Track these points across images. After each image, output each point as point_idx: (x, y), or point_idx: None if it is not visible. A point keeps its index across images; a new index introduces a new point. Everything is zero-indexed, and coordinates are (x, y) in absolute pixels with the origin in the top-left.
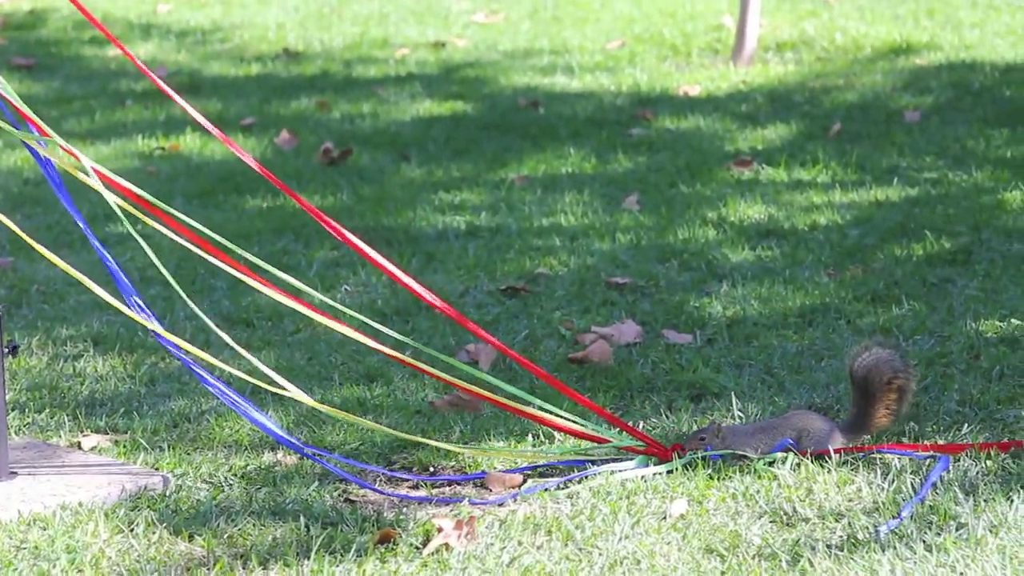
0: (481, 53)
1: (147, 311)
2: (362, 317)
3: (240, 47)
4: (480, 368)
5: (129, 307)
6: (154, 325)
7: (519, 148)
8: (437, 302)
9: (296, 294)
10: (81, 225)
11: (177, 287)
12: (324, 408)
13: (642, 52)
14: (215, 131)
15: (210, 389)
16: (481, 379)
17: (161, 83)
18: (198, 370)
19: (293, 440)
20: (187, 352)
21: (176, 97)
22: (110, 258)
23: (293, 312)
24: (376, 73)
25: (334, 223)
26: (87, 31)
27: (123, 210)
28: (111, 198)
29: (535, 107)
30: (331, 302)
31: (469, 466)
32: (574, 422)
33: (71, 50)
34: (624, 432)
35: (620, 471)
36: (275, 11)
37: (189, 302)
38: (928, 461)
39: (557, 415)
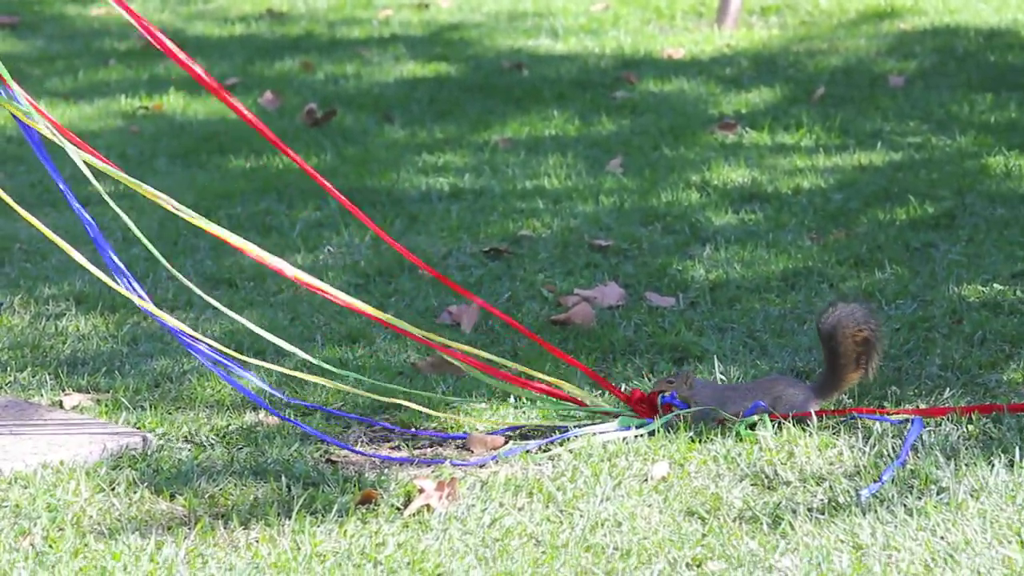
0: (465, 15)
1: (130, 279)
2: (331, 289)
3: (224, 7)
4: (463, 330)
5: (116, 281)
6: (149, 305)
7: (503, 110)
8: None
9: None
10: (61, 187)
11: (158, 254)
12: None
13: (626, 15)
14: (213, 84)
15: (202, 361)
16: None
17: (164, 38)
18: (185, 338)
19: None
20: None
21: (177, 50)
22: (91, 219)
23: (275, 273)
24: (360, 34)
25: (324, 181)
26: None
27: (102, 173)
28: (80, 162)
29: (519, 69)
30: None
31: (451, 427)
32: (554, 385)
33: (54, 8)
34: (607, 392)
35: (602, 432)
36: None
37: (174, 271)
38: (908, 425)
39: (536, 378)
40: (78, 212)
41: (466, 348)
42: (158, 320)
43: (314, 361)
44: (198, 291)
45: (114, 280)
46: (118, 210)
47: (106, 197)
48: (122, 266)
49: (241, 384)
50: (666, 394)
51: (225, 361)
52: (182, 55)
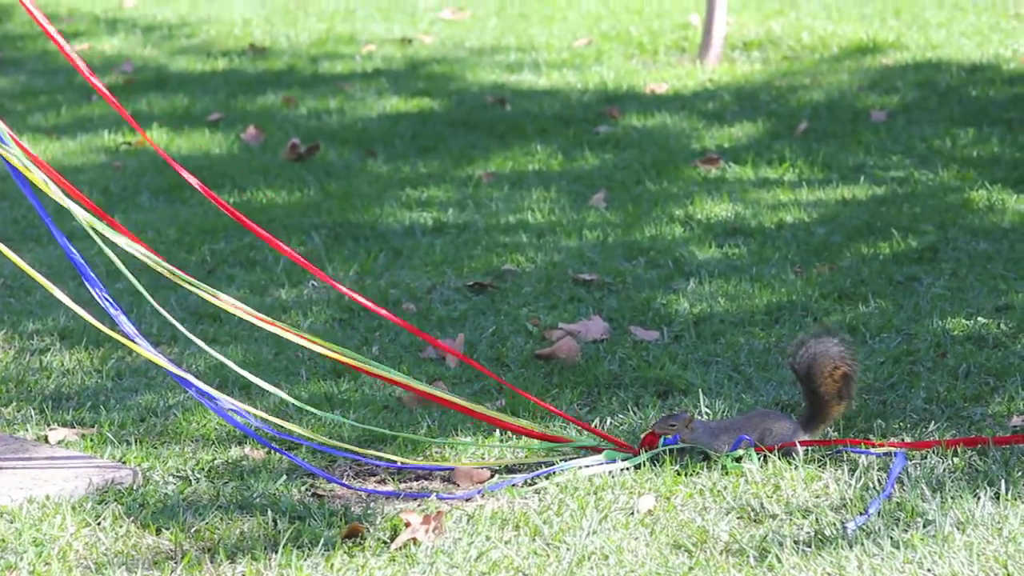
0: (448, 50)
1: (117, 309)
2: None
3: (207, 42)
4: (448, 365)
5: (115, 326)
6: (164, 362)
7: (486, 145)
8: (382, 311)
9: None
10: (48, 224)
11: (144, 291)
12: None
13: (609, 50)
14: (148, 139)
15: (213, 408)
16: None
17: (98, 84)
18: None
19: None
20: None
21: (106, 93)
22: (77, 254)
23: (259, 307)
24: (343, 69)
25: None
26: (53, 25)
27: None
28: (64, 200)
29: (502, 104)
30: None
31: (437, 461)
32: (540, 417)
33: (37, 45)
34: (586, 432)
35: (588, 466)
36: (241, 6)
37: (163, 311)
38: (893, 458)
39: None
40: (65, 248)
41: (446, 395)
42: (172, 368)
43: (296, 403)
44: (183, 328)
45: (107, 317)
46: (106, 249)
47: (89, 230)
48: (112, 301)
49: (258, 434)
50: (668, 436)
51: (235, 407)
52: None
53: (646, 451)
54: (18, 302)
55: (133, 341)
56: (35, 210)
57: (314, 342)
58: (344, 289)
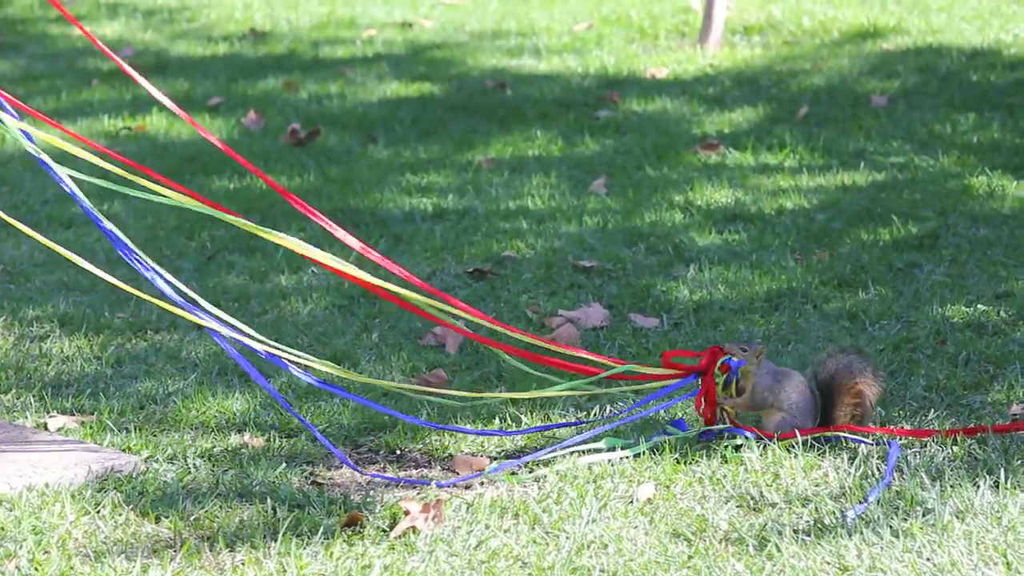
0: (448, 34)
1: (155, 272)
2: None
3: (207, 26)
4: (448, 351)
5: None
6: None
7: (486, 130)
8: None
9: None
10: (83, 205)
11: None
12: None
13: (609, 34)
14: (182, 114)
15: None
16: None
17: (124, 65)
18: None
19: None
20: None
21: (140, 79)
22: (117, 232)
23: (259, 294)
24: (343, 53)
25: (304, 203)
26: (53, 10)
27: (88, 190)
28: (66, 178)
29: (502, 89)
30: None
31: (436, 449)
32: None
33: (37, 28)
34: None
35: (588, 452)
36: None
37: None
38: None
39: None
40: (96, 221)
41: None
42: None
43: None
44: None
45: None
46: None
47: (92, 210)
48: (156, 267)
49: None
50: (734, 359)
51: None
52: (147, 83)
53: (700, 372)
54: (18, 288)
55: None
56: (33, 195)
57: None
58: (398, 268)
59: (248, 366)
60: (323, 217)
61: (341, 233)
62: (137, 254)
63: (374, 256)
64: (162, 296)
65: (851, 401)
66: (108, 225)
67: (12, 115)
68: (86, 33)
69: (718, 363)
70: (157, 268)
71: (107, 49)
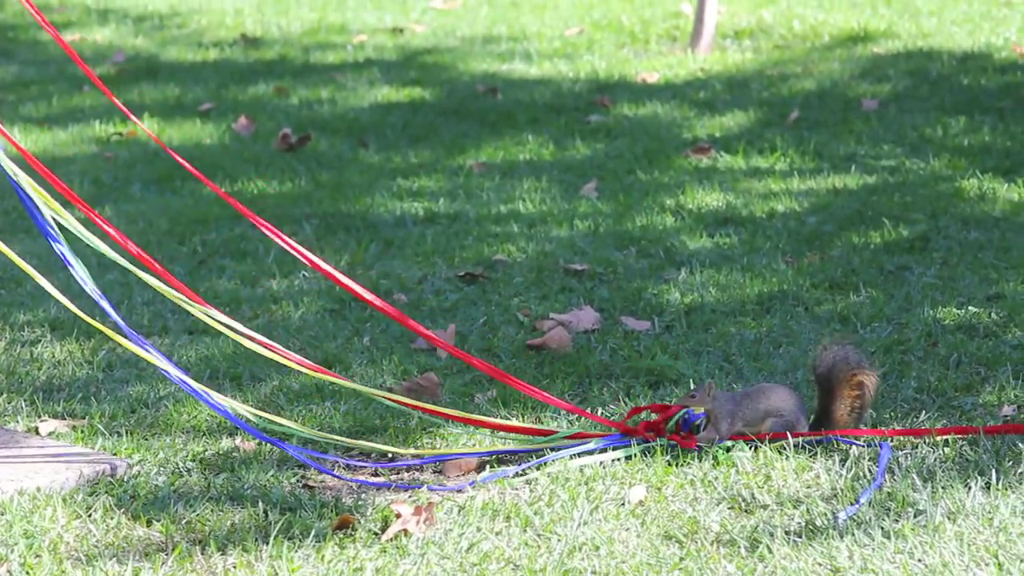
0: (439, 39)
1: (108, 304)
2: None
3: (198, 32)
4: (438, 356)
5: (105, 319)
6: (164, 364)
7: (477, 134)
8: (377, 302)
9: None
10: (36, 219)
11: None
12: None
13: (600, 39)
14: (144, 127)
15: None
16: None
17: (92, 73)
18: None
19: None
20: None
21: (107, 89)
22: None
23: (250, 298)
24: (334, 59)
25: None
26: (44, 15)
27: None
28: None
29: (493, 93)
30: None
31: (428, 452)
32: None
33: (28, 35)
34: (579, 418)
35: (581, 455)
36: None
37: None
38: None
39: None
40: (51, 240)
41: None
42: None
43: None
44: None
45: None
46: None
47: (66, 223)
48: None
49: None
50: (696, 411)
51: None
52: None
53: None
54: (9, 293)
55: (124, 335)
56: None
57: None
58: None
59: (205, 398)
60: (291, 242)
61: (309, 255)
62: (89, 284)
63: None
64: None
65: (851, 393)
66: (64, 252)
67: None
68: (59, 40)
69: (675, 418)
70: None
71: (78, 57)
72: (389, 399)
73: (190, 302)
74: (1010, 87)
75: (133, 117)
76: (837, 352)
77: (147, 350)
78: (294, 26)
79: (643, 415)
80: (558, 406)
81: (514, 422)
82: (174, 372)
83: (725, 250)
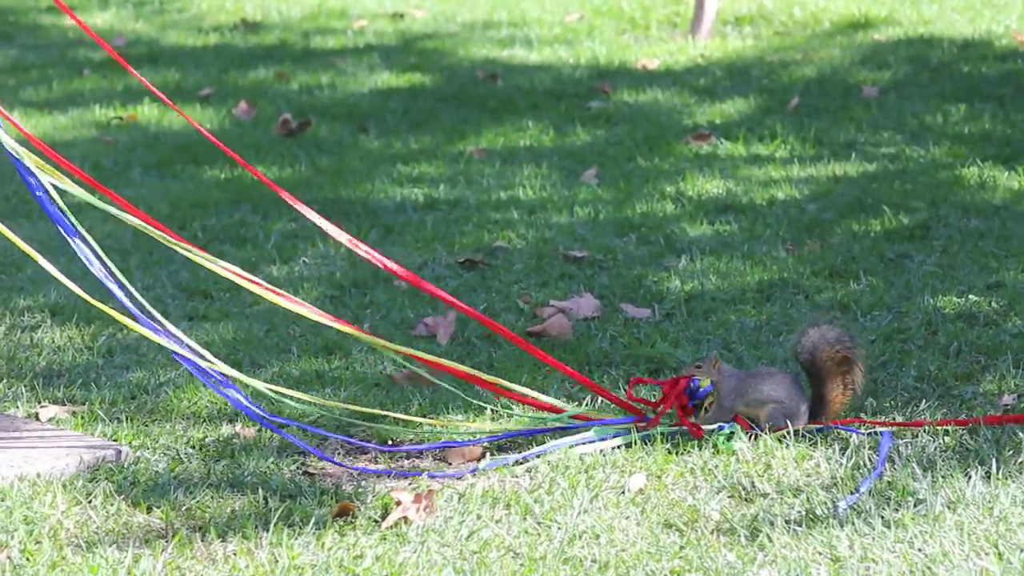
0: (440, 25)
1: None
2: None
3: (198, 16)
4: (439, 341)
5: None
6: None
7: (477, 121)
8: (400, 270)
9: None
10: (41, 203)
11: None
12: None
13: (601, 25)
14: (174, 106)
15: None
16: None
17: (120, 57)
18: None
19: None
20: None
21: (135, 72)
22: (74, 230)
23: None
24: (334, 44)
25: (292, 196)
26: (44, 0)
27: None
28: (46, 179)
29: (494, 80)
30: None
31: (429, 439)
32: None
33: (28, 19)
34: (594, 396)
35: (580, 444)
36: None
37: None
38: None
39: (514, 388)
40: (56, 220)
41: (442, 360)
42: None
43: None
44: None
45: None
46: (86, 240)
47: (62, 206)
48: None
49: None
50: (702, 383)
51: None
52: (142, 77)
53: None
54: (9, 278)
55: (133, 317)
56: (26, 186)
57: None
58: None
59: (215, 384)
60: (310, 210)
61: (329, 226)
62: (106, 263)
63: (361, 252)
64: (123, 308)
65: (840, 371)
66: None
67: None
68: (79, 23)
69: (682, 390)
70: (122, 279)
71: (100, 39)
72: (416, 357)
73: (213, 260)
74: (1011, 75)
75: (172, 106)
76: (814, 334)
77: (158, 334)
78: (294, 11)
79: (644, 390)
80: (571, 375)
81: (515, 410)
82: (195, 358)
83: (725, 237)
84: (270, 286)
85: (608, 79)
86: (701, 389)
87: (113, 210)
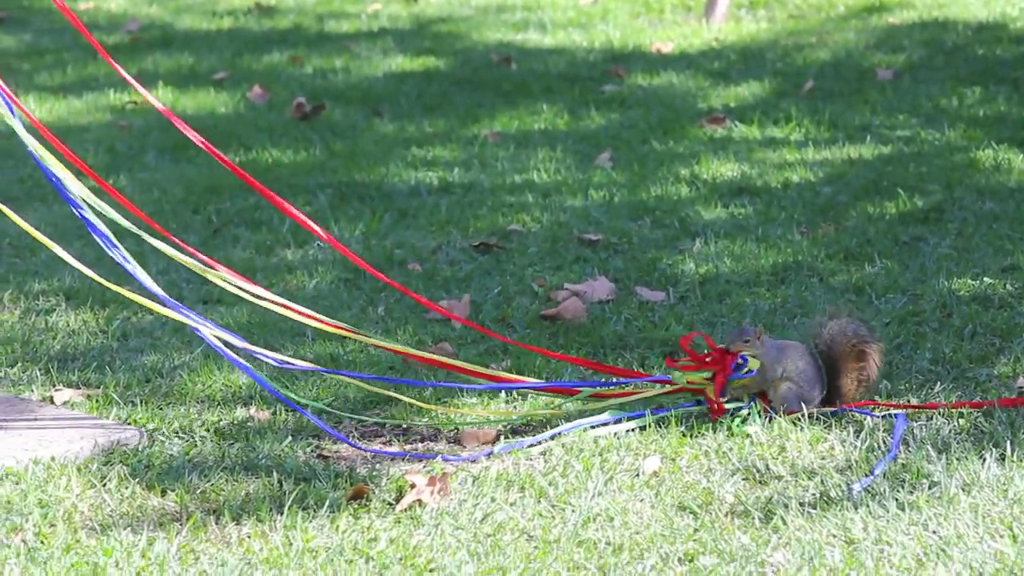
0: (453, 8)
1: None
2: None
3: (212, 1)
4: (453, 325)
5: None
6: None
7: (491, 104)
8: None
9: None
10: (56, 186)
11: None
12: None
13: (615, 8)
14: (157, 103)
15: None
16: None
17: (101, 48)
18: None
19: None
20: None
21: (113, 63)
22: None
23: (265, 268)
24: (348, 28)
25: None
26: None
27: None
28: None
29: (508, 63)
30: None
31: (443, 423)
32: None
33: (42, 3)
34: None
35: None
36: None
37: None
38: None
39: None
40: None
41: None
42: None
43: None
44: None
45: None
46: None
47: (74, 191)
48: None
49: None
50: (751, 363)
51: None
52: (120, 68)
53: (711, 379)
54: (23, 262)
55: (154, 296)
56: (40, 169)
57: (309, 315)
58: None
59: (239, 361)
60: (298, 212)
61: (312, 225)
62: (119, 248)
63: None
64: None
65: (855, 365)
66: (91, 218)
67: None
68: (68, 13)
69: (729, 367)
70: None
71: (87, 32)
72: (409, 355)
73: (207, 268)
74: None
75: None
76: (834, 327)
77: (181, 312)
78: None
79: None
80: (583, 363)
81: (529, 396)
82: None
83: (740, 220)
84: (269, 294)
85: (622, 63)
86: (747, 372)
87: (109, 209)
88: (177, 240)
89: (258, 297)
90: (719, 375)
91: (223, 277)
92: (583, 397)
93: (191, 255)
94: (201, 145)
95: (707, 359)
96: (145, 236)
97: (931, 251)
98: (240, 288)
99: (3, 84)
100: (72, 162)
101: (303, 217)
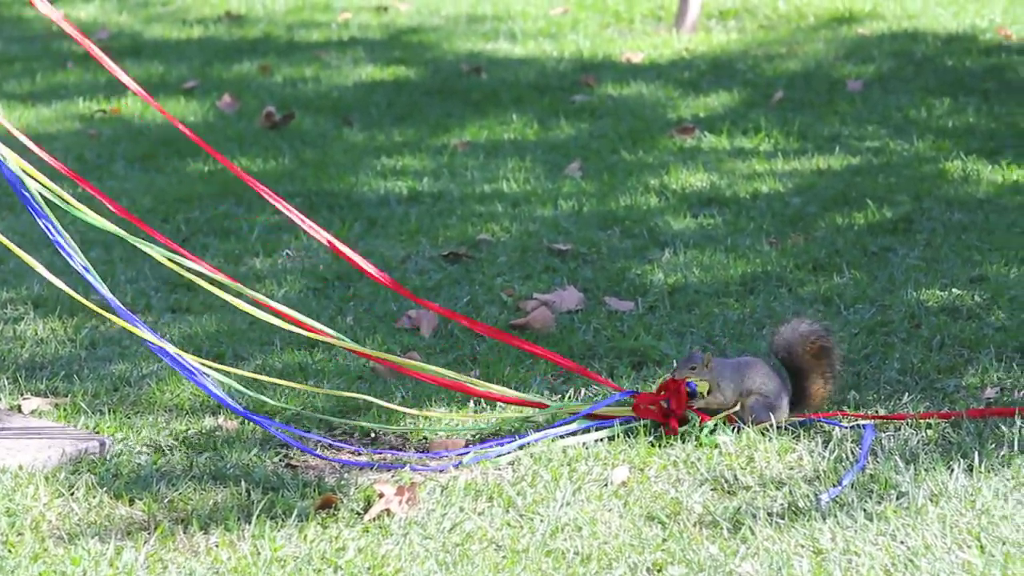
0: (424, 18)
1: (95, 280)
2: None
3: (182, 9)
4: (422, 334)
5: (91, 295)
6: (146, 334)
7: (461, 114)
8: (375, 271)
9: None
10: (18, 192)
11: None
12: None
13: (585, 18)
14: (151, 101)
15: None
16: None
17: (96, 49)
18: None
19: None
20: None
21: (112, 65)
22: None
23: (234, 276)
24: (318, 37)
25: (272, 191)
26: None
27: (59, 176)
28: (34, 185)
29: (478, 73)
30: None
31: (412, 432)
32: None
33: (12, 11)
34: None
35: (564, 436)
36: None
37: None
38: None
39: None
40: (37, 216)
41: (422, 365)
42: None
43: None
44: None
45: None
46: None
47: (41, 203)
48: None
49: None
50: (692, 381)
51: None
52: (117, 68)
53: (666, 403)
54: None
55: (112, 310)
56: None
57: (289, 317)
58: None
59: (200, 381)
60: (291, 208)
61: (309, 224)
62: (80, 258)
63: (341, 249)
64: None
65: (817, 363)
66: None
67: None
68: (66, 23)
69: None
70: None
71: (78, 35)
72: (380, 360)
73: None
74: (994, 69)
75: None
76: (786, 332)
77: (136, 325)
78: (278, 4)
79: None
80: (572, 369)
81: (498, 404)
82: (168, 348)
83: (709, 231)
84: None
85: (592, 72)
86: (698, 397)
87: (86, 212)
88: (172, 243)
89: (258, 304)
90: (673, 401)
91: (222, 282)
92: (550, 412)
93: (180, 255)
94: (212, 154)
95: (660, 392)
96: (129, 238)
97: (900, 262)
98: (239, 293)
99: None
100: (54, 166)
101: (330, 236)
